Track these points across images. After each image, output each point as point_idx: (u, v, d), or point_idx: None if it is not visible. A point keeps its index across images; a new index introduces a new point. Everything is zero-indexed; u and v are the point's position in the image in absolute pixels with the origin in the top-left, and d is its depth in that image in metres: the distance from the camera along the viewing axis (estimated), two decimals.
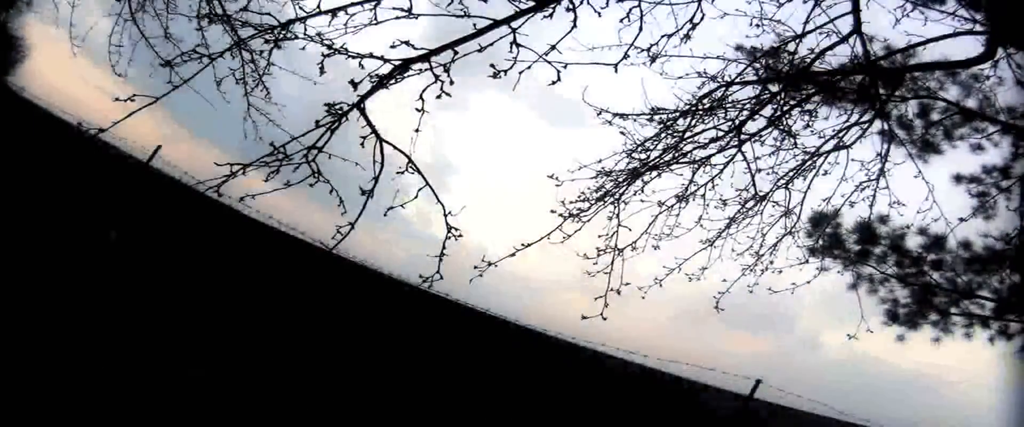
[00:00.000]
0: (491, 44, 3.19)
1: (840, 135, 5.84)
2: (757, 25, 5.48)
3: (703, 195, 5.83)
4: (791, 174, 5.91)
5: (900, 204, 5.95)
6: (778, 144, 5.82)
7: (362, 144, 3.19)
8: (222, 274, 7.16)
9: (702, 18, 4.51)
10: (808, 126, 5.80)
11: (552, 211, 5.25)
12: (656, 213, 5.70)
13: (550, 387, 7.44)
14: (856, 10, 5.28)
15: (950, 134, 6.27)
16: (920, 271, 6.52)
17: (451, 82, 3.19)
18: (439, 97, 3.21)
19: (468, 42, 3.19)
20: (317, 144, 3.17)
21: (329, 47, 3.28)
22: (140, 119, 3.03)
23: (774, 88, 5.60)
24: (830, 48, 5.49)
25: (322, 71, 3.31)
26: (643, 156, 5.62)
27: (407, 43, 3.09)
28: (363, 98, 3.18)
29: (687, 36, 4.71)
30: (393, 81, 3.20)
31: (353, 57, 3.18)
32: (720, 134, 5.68)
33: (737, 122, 5.63)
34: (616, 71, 4.04)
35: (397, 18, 3.23)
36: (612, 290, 4.57)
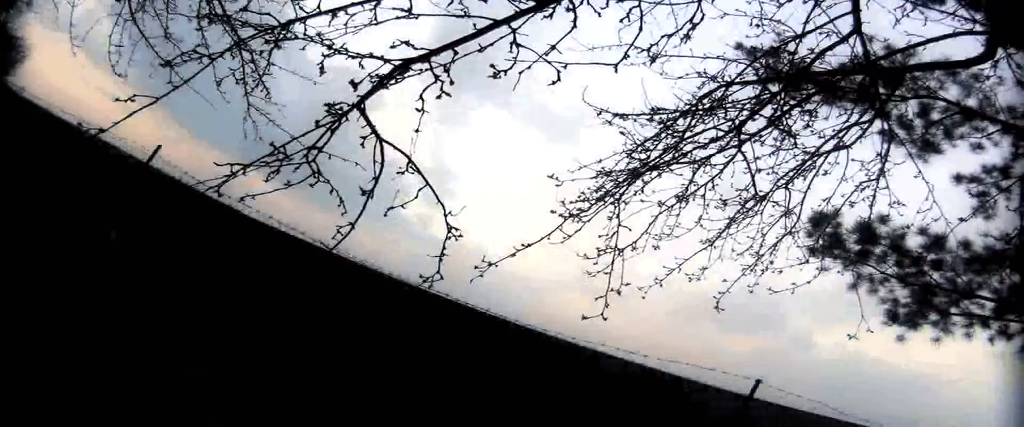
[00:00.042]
0: (491, 44, 3.19)
1: (840, 135, 5.84)
2: (757, 25, 5.49)
3: (703, 195, 5.83)
4: (791, 174, 5.91)
5: (900, 204, 5.96)
6: (778, 144, 5.83)
7: (362, 144, 3.19)
8: (222, 274, 7.16)
9: (702, 18, 4.51)
10: (808, 126, 5.80)
11: (552, 211, 5.25)
12: (656, 213, 5.71)
13: (550, 387, 7.44)
14: (856, 10, 5.28)
15: (950, 133, 6.27)
16: (920, 271, 6.52)
17: (451, 82, 3.19)
18: (439, 97, 3.21)
19: (468, 42, 3.19)
20: (317, 144, 3.17)
21: (329, 47, 3.28)
22: (140, 119, 3.03)
23: (774, 88, 5.59)
24: (830, 48, 5.49)
25: (322, 71, 3.31)
26: (643, 156, 5.62)
27: (407, 43, 3.09)
28: (363, 98, 3.18)
29: (687, 36, 4.71)
30: (393, 81, 3.20)
31: (353, 57, 3.18)
32: (720, 134, 5.68)
33: (737, 122, 5.63)
34: (616, 71, 4.04)
35: (397, 18, 3.23)
36: (612, 290, 4.58)
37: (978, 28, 5.18)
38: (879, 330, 6.36)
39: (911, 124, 6.20)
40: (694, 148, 5.71)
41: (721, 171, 5.83)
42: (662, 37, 4.71)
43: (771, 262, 5.93)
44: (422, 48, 3.14)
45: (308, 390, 5.63)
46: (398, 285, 7.93)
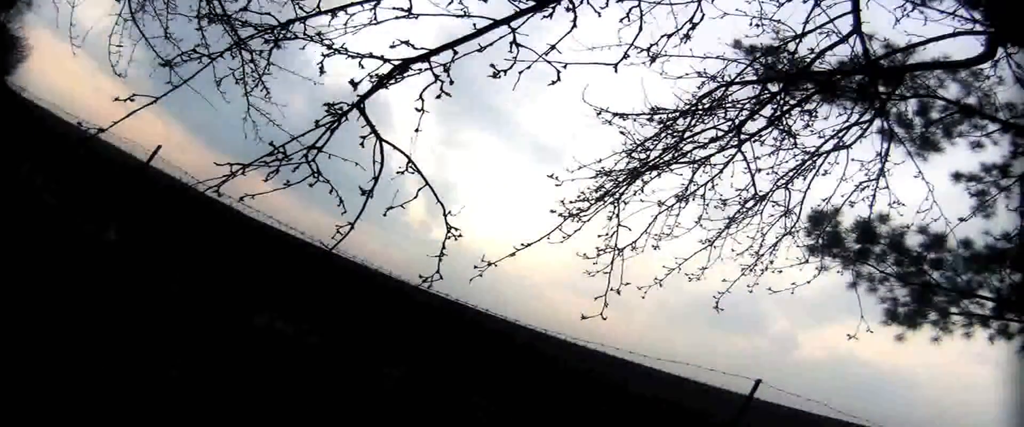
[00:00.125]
0: (491, 44, 3.19)
1: (840, 135, 5.84)
2: (757, 25, 5.49)
3: (703, 195, 5.84)
4: (791, 174, 5.91)
5: (900, 204, 5.96)
6: (778, 144, 5.83)
7: (362, 144, 3.19)
8: (222, 274, 7.16)
9: (702, 18, 4.51)
10: (808, 126, 5.80)
11: (552, 211, 5.25)
12: (656, 213, 5.71)
13: (549, 387, 7.44)
14: (856, 10, 5.28)
15: (950, 132, 6.27)
16: (920, 270, 6.52)
17: (451, 82, 3.19)
18: (439, 97, 3.21)
19: (468, 42, 3.18)
20: (317, 144, 3.17)
21: (329, 47, 3.28)
22: (140, 119, 3.03)
23: (774, 88, 5.59)
24: (830, 48, 5.48)
25: (322, 71, 3.31)
26: (643, 156, 5.62)
27: (407, 43, 3.09)
28: (363, 98, 3.18)
29: (687, 36, 4.70)
30: (393, 81, 3.20)
31: (353, 57, 3.18)
32: (720, 134, 5.68)
33: (737, 122, 5.63)
34: (616, 71, 4.04)
35: (397, 18, 3.23)
36: (612, 290, 4.58)
37: (978, 28, 5.17)
38: (878, 330, 6.36)
39: (911, 123, 6.20)
40: (694, 148, 5.72)
41: (721, 171, 5.84)
42: (662, 37, 4.71)
43: (771, 262, 5.93)
44: (422, 48, 3.15)
45: (308, 390, 5.62)
46: (399, 285, 7.94)
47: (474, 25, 3.18)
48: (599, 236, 5.40)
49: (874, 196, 5.92)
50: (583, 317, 4.36)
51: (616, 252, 5.25)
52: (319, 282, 7.62)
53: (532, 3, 3.32)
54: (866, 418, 6.78)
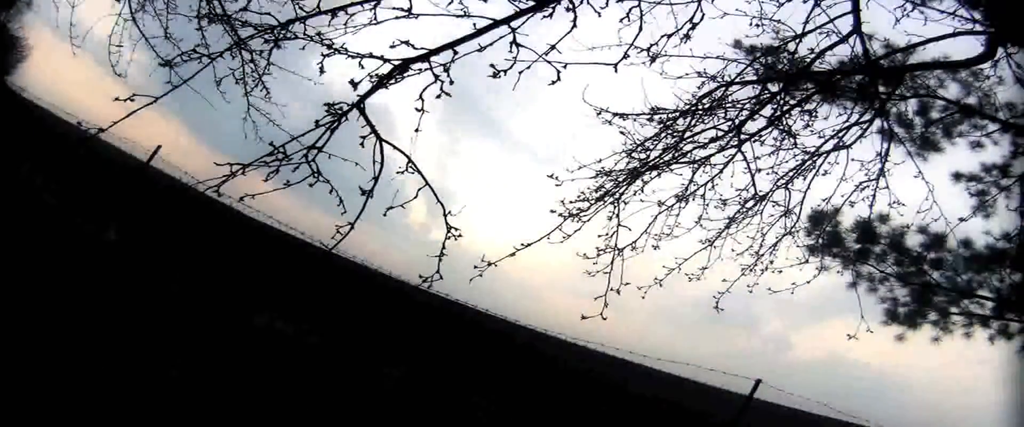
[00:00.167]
0: (491, 44, 3.19)
1: (840, 135, 5.84)
2: (757, 25, 5.48)
3: (703, 195, 5.83)
4: (791, 174, 5.91)
5: (900, 204, 5.96)
6: (778, 144, 5.83)
7: (362, 144, 3.19)
8: (222, 274, 7.16)
9: (702, 18, 4.51)
10: (808, 126, 5.80)
11: (552, 211, 5.25)
12: (656, 213, 5.71)
13: (549, 387, 7.44)
14: (856, 10, 5.28)
15: (950, 132, 6.27)
16: (920, 270, 6.52)
17: (451, 82, 3.19)
18: (439, 97, 3.21)
19: (468, 42, 3.19)
20: (317, 144, 3.17)
21: (329, 47, 3.29)
22: (140, 119, 3.03)
23: (774, 88, 5.59)
24: (830, 48, 5.48)
25: (322, 71, 3.31)
26: (643, 156, 5.62)
27: (407, 43, 3.09)
28: (363, 98, 3.18)
29: (687, 36, 4.70)
30: (393, 81, 3.20)
31: (353, 57, 3.18)
32: (720, 134, 5.68)
33: (737, 122, 5.63)
34: (616, 71, 4.03)
35: (397, 18, 3.23)
36: (612, 290, 4.58)
37: (978, 28, 5.17)
38: (877, 330, 6.36)
39: (911, 123, 6.21)
40: (694, 148, 5.72)
41: (721, 171, 5.83)
42: (662, 37, 4.70)
43: (771, 262, 5.93)
44: (422, 48, 3.15)
45: (308, 390, 5.62)
46: (399, 285, 7.94)
47: (474, 25, 3.19)
48: (599, 236, 5.41)
49: (874, 196, 5.93)
50: (583, 317, 4.37)
51: (616, 252, 5.25)
52: (319, 282, 7.63)
53: (532, 3, 3.32)
54: (865, 418, 6.79)
